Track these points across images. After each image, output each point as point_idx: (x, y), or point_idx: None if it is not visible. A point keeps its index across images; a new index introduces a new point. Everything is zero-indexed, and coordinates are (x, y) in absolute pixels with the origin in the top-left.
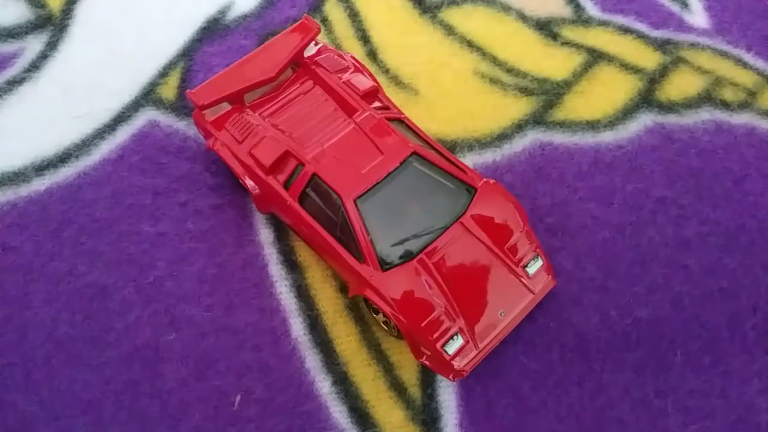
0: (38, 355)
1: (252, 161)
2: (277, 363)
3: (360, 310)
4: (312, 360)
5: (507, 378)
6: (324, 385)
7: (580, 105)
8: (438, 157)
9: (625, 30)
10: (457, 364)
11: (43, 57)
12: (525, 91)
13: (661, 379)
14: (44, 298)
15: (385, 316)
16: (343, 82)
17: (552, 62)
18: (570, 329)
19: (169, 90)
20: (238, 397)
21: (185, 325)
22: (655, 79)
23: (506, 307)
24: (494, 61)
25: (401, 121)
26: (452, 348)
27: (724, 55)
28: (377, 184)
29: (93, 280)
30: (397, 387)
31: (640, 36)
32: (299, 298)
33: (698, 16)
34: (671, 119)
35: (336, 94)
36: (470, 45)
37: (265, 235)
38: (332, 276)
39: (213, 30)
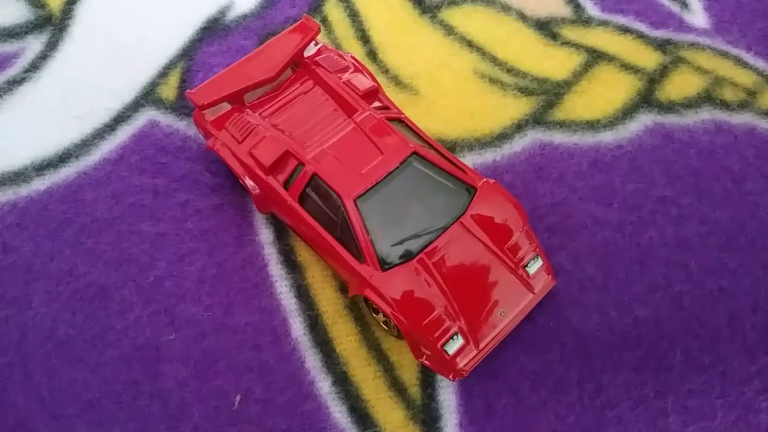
0: (38, 355)
1: (252, 161)
2: (277, 363)
3: (360, 310)
4: (312, 360)
5: (507, 378)
6: (324, 385)
7: (580, 105)
8: (438, 157)
9: (625, 30)
10: (458, 364)
11: (43, 57)
12: (525, 91)
13: (661, 378)
14: (44, 298)
15: (385, 316)
16: (343, 82)
17: (552, 62)
18: (570, 329)
19: (169, 90)
20: (238, 397)
21: (185, 325)
22: (655, 79)
23: (506, 307)
24: (494, 61)
25: (401, 121)
26: (452, 348)
27: (724, 55)
28: (377, 184)
29: (93, 280)
30: (397, 387)
31: (640, 36)
32: (299, 298)
33: (698, 16)
34: (671, 119)
35: (336, 94)
36: (470, 45)
37: (265, 235)
38: (332, 276)
39: (213, 30)
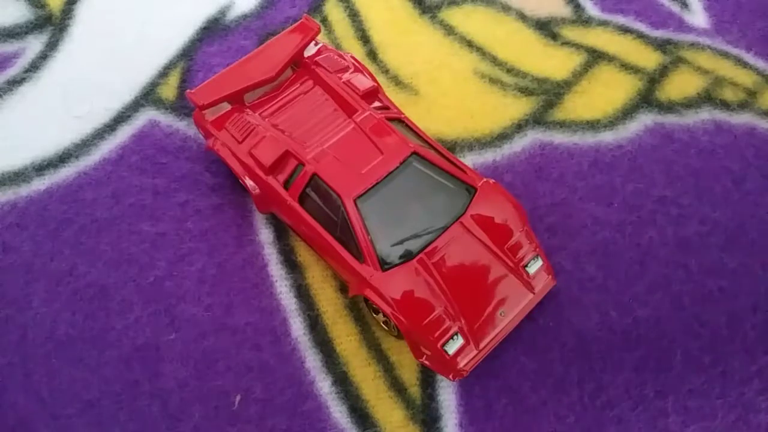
0: (38, 355)
1: (252, 161)
2: (277, 363)
3: (360, 310)
4: (312, 360)
5: (507, 378)
6: (324, 385)
7: (580, 105)
8: (438, 157)
9: (625, 30)
10: (458, 363)
11: (43, 57)
12: (525, 91)
13: (661, 378)
14: (44, 298)
15: (385, 316)
16: (343, 82)
17: (552, 62)
18: (570, 329)
19: (169, 90)
20: (238, 397)
21: (185, 325)
22: (655, 79)
23: (506, 307)
24: (494, 61)
25: (401, 121)
26: (452, 348)
27: (724, 55)
28: (377, 184)
29: (93, 280)
30: (397, 387)
31: (640, 36)
32: (299, 298)
33: (698, 16)
34: (671, 119)
35: (336, 94)
36: (470, 45)
37: (265, 235)
38: (332, 276)
39: (213, 30)
